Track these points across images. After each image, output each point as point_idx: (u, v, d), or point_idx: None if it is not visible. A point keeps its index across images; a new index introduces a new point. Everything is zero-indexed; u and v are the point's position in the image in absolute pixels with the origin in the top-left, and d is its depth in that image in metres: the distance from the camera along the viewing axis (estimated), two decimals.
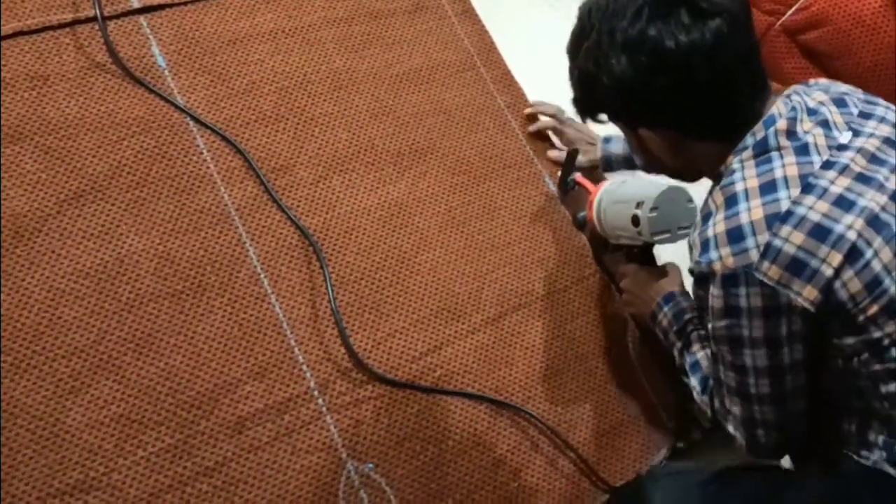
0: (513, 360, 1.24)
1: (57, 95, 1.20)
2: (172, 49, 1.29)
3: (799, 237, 0.85)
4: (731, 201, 0.89)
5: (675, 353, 1.14)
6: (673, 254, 1.25)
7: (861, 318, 0.86)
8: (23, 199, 1.12)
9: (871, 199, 0.87)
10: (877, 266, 0.85)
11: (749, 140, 0.91)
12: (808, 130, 0.91)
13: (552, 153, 1.43)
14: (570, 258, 1.35)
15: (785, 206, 0.86)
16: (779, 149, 0.90)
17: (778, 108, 0.92)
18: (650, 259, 1.24)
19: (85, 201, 1.14)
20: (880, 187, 0.88)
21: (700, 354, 1.09)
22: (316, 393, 1.13)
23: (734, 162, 0.92)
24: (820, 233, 0.85)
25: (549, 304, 1.30)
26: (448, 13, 1.49)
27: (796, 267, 0.85)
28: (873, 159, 0.90)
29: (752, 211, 0.87)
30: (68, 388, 1.03)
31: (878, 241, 0.85)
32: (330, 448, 1.10)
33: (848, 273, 0.85)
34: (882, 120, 0.95)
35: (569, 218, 1.37)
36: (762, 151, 0.90)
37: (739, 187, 0.89)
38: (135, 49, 1.27)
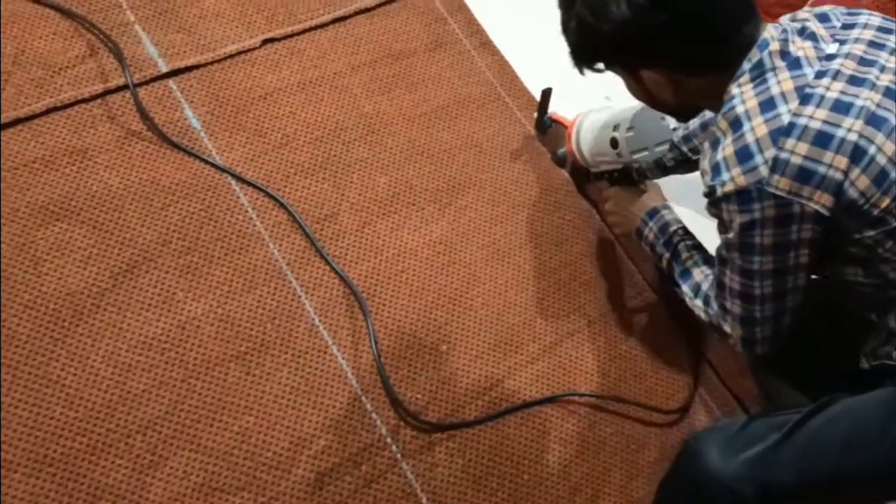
0: (574, 386, 1.24)
1: (98, 168, 1.20)
2: (205, 110, 1.29)
3: (804, 147, 0.88)
4: (735, 124, 0.93)
5: (664, 263, 1.18)
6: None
7: (875, 211, 0.90)
8: (77, 276, 1.11)
9: (867, 99, 0.90)
10: (882, 160, 0.89)
11: (745, 65, 0.94)
12: (798, 45, 0.94)
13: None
14: (618, 279, 1.36)
15: (786, 119, 0.89)
16: (774, 68, 0.93)
17: (769, 32, 0.95)
18: (631, 180, 1.28)
19: (139, 272, 1.14)
20: (873, 86, 0.91)
21: (689, 263, 1.15)
22: (389, 440, 1.13)
23: (733, 88, 0.95)
24: (823, 140, 0.88)
25: (602, 325, 1.31)
26: (467, 47, 1.51)
27: (805, 175, 0.88)
28: (862, 61, 0.93)
29: (755, 129, 0.90)
30: (147, 462, 1.03)
31: (879, 137, 0.89)
32: (410, 495, 1.10)
33: (855, 172, 0.88)
34: (865, 26, 0.98)
35: (611, 239, 1.38)
36: (759, 74, 0.93)
37: (740, 109, 0.92)
38: (168, 113, 1.27)
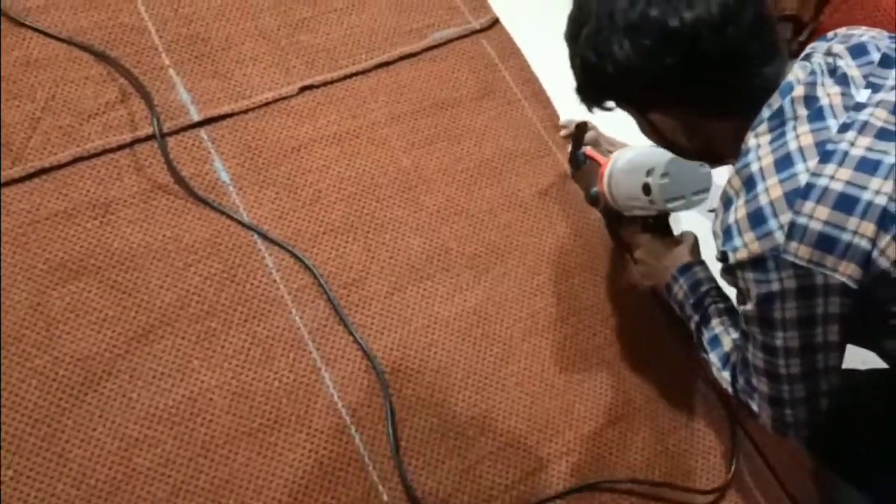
0: (614, 481, 1.14)
1: (120, 223, 1.15)
2: (235, 162, 1.24)
3: (824, 212, 0.78)
4: (748, 183, 0.83)
5: (692, 326, 1.09)
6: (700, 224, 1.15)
7: None
8: (91, 339, 1.07)
9: None
10: None
11: (765, 112, 0.84)
12: (827, 93, 0.83)
13: (563, 122, 1.39)
14: (669, 360, 1.25)
15: (804, 179, 0.79)
16: (795, 118, 0.83)
17: (795, 73, 0.85)
18: (665, 229, 1.20)
19: (154, 337, 1.09)
20: None
21: (719, 329, 1.05)
22: None
23: (751, 138, 0.85)
24: (846, 203, 0.77)
25: (648, 413, 1.20)
26: (517, 96, 1.42)
27: (827, 243, 0.78)
28: None
29: (769, 190, 0.81)
30: None
31: None
32: None
33: (884, 240, 0.77)
34: None
35: (660, 320, 1.27)
36: (778, 124, 0.83)
37: (755, 167, 0.83)
38: (197, 165, 1.22)
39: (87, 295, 1.10)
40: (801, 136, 0.81)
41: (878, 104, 0.81)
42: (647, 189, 1.11)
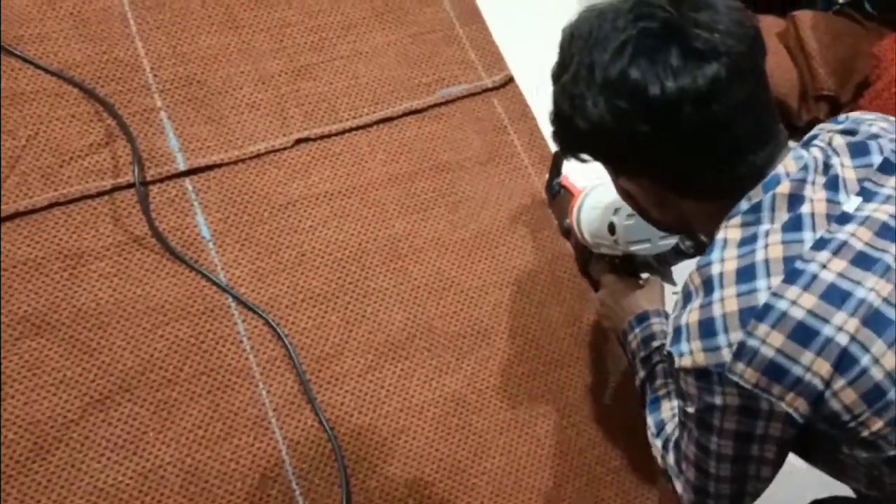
0: None
1: (90, 277, 1.10)
2: (218, 217, 1.18)
3: (778, 339, 0.70)
4: (707, 286, 0.75)
5: (637, 381, 1.03)
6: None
7: (865, 432, 0.71)
8: (45, 402, 1.02)
9: (872, 289, 0.70)
10: (877, 374, 0.69)
11: (743, 205, 0.76)
12: (813, 196, 0.75)
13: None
14: (650, 469, 1.17)
15: (762, 298, 0.71)
16: (771, 219, 0.74)
17: (786, 165, 0.76)
18: (632, 271, 1.13)
19: (111, 404, 1.04)
20: (886, 271, 0.71)
21: (662, 392, 0.99)
22: None
23: (721, 230, 0.77)
24: (803, 335, 0.70)
25: None
26: (524, 162, 1.34)
27: (776, 372, 0.71)
28: (883, 231, 0.72)
29: (724, 302, 0.73)
30: None
31: (877, 345, 0.69)
32: None
33: (839, 383, 0.70)
34: None
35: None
36: (753, 221, 0.75)
37: (716, 270, 0.75)
38: (178, 218, 1.17)
39: (47, 353, 1.05)
40: (770, 246, 0.73)
41: (863, 221, 0.73)
42: (612, 228, 1.06)
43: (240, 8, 1.33)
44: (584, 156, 0.84)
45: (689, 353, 0.75)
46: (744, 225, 0.75)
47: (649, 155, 0.77)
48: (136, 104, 1.22)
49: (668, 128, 0.73)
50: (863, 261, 0.71)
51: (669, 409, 0.97)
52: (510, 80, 1.39)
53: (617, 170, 0.84)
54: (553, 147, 1.33)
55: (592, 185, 1.15)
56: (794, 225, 0.73)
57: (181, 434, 1.05)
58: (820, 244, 0.72)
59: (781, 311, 0.70)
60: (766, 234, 0.74)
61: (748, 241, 0.74)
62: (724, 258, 0.75)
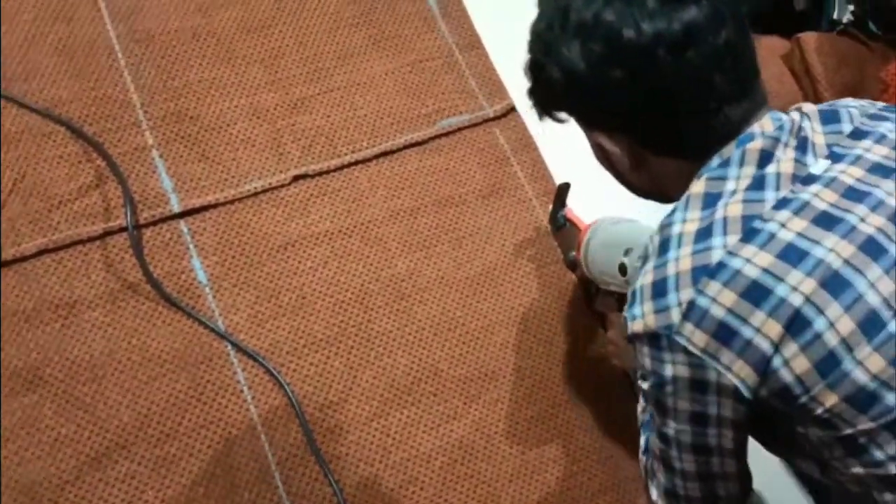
0: None
1: (83, 327, 1.06)
2: (215, 260, 1.14)
3: (729, 297, 0.67)
4: (663, 246, 0.73)
5: (639, 408, 0.97)
6: None
7: (819, 409, 0.67)
8: (40, 462, 0.98)
9: (832, 249, 0.67)
10: (831, 340, 0.66)
11: (714, 161, 0.74)
12: (782, 156, 0.74)
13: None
14: None
15: (717, 256, 0.68)
16: (737, 177, 0.73)
17: (762, 124, 0.75)
18: None
19: (108, 462, 1.00)
20: (849, 231, 0.68)
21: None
22: None
23: (690, 186, 0.75)
24: (756, 294, 0.67)
25: None
26: (528, 195, 1.31)
27: (725, 334, 0.68)
28: (849, 193, 0.70)
29: (679, 261, 0.70)
30: None
31: (833, 308, 0.66)
32: None
33: (791, 348, 0.66)
34: (881, 139, 0.75)
35: None
36: (719, 176, 0.74)
37: (676, 230, 0.73)
38: (173, 262, 1.13)
39: (41, 410, 1.01)
40: (730, 204, 0.71)
41: (829, 183, 0.71)
42: (623, 269, 1.03)
43: (232, 39, 1.28)
44: (561, 115, 0.83)
45: (641, 316, 0.72)
46: (710, 180, 0.74)
47: (623, 104, 0.75)
48: (126, 143, 1.18)
49: (643, 73, 0.71)
50: (825, 221, 0.69)
51: None
52: (512, 110, 1.35)
53: (591, 124, 0.82)
54: (558, 178, 1.31)
55: (600, 222, 1.12)
56: (758, 184, 0.72)
57: (181, 492, 1.01)
58: (781, 204, 0.70)
59: (735, 269, 0.68)
60: (733, 192, 0.72)
61: (712, 199, 0.72)
62: (687, 218, 0.73)
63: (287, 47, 1.30)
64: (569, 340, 1.22)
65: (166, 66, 1.24)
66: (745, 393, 0.69)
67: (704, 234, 0.71)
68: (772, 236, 0.68)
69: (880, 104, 0.81)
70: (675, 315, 0.69)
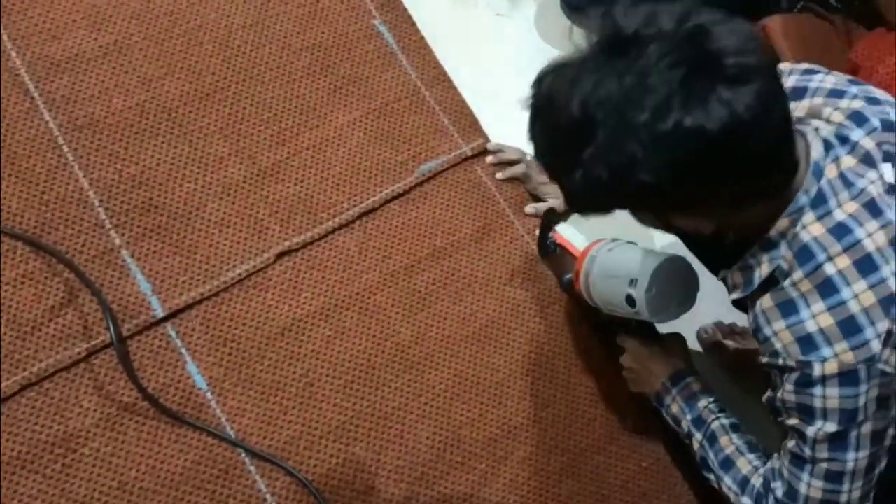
0: None
1: (85, 462, 0.99)
2: (211, 361, 1.07)
3: None
4: (826, 288, 0.80)
5: (695, 444, 1.03)
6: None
7: None
8: None
9: None
10: None
11: (803, 199, 0.81)
12: (856, 170, 0.82)
13: (529, 209, 1.27)
14: None
15: (894, 284, 0.79)
16: (839, 204, 0.81)
17: (815, 148, 0.83)
18: (652, 332, 1.13)
19: None
20: None
21: (730, 450, 0.99)
22: None
23: (796, 228, 0.82)
24: None
25: None
26: (519, 231, 1.26)
27: None
28: None
29: (860, 297, 0.79)
30: None
31: None
32: None
33: None
34: None
35: None
36: (825, 213, 0.81)
37: (830, 269, 0.80)
38: (167, 372, 1.05)
39: None
40: (873, 234, 0.79)
41: None
42: (630, 300, 1.02)
43: (184, 111, 1.18)
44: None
45: (835, 356, 0.79)
46: (820, 219, 0.80)
47: (710, 191, 0.77)
48: (92, 247, 1.08)
49: (734, 159, 0.74)
50: None
51: (748, 464, 0.97)
52: None
53: (668, 213, 0.85)
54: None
55: (595, 250, 1.08)
56: (874, 208, 0.80)
57: None
58: None
59: None
60: (858, 222, 0.79)
61: (842, 233, 0.79)
62: (832, 255, 0.79)
63: (244, 111, 1.21)
64: (585, 381, 1.20)
65: (118, 152, 1.14)
66: None
67: (868, 266, 0.79)
68: None
69: (845, 77, 0.91)
70: (876, 346, 0.78)
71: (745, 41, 0.73)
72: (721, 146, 0.72)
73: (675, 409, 1.04)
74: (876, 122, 0.84)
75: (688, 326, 1.18)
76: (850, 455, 0.83)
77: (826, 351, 0.79)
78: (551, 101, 0.77)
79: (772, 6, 1.49)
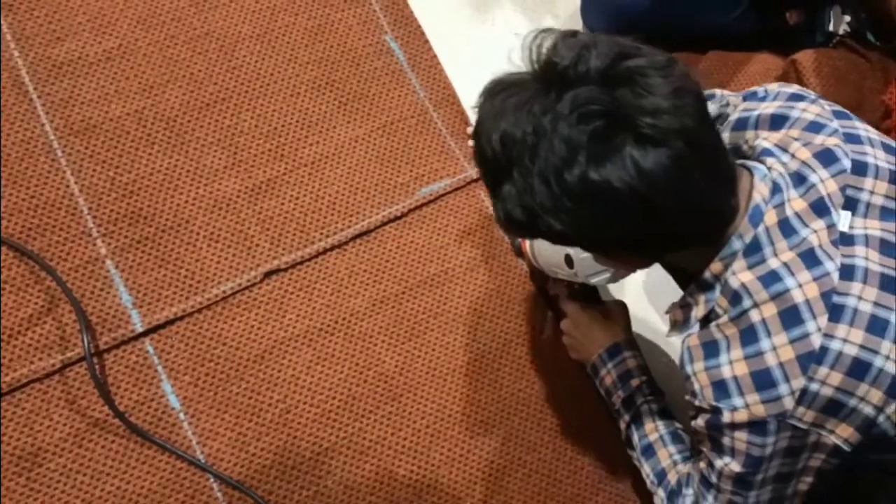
0: None
1: (51, 478, 0.97)
2: (187, 380, 1.05)
3: (837, 378, 0.74)
4: (748, 336, 0.77)
5: (622, 424, 1.04)
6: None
7: None
8: None
9: None
10: None
11: (736, 244, 0.77)
12: (803, 217, 0.77)
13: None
14: None
15: (817, 342, 0.74)
16: (775, 253, 0.76)
17: (759, 190, 0.78)
18: (593, 297, 1.12)
19: None
20: None
21: (653, 437, 0.99)
22: None
23: (727, 274, 0.78)
24: (858, 370, 0.74)
25: None
26: (517, 262, 1.21)
27: (833, 407, 0.75)
28: (884, 248, 0.77)
29: (778, 350, 0.75)
30: None
31: None
32: None
33: (892, 407, 0.75)
34: (877, 173, 0.79)
35: None
36: (758, 261, 0.77)
37: (755, 317, 0.76)
38: (141, 389, 1.03)
39: None
40: (804, 285, 0.74)
41: (866, 241, 0.76)
42: (569, 261, 1.01)
43: (183, 120, 1.16)
44: None
45: (745, 407, 0.76)
46: (751, 266, 0.76)
47: (625, 242, 0.76)
48: (77, 256, 1.07)
49: (644, 216, 0.71)
50: (886, 284, 0.75)
51: (668, 457, 0.97)
52: None
53: (593, 252, 0.86)
54: None
55: None
56: (811, 258, 0.75)
57: None
58: (846, 273, 0.74)
59: (838, 352, 0.73)
60: (790, 270, 0.75)
61: (772, 280, 0.75)
62: (757, 302, 0.75)
63: (244, 123, 1.18)
64: (576, 427, 1.15)
65: (112, 159, 1.12)
66: (846, 448, 0.76)
67: (792, 318, 0.74)
68: (855, 311, 0.74)
69: (832, 109, 0.84)
70: (789, 402, 0.74)
71: (670, 98, 0.69)
72: (627, 204, 0.70)
73: (608, 382, 1.05)
74: (846, 164, 0.79)
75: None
76: (753, 493, 0.82)
77: (737, 401, 0.77)
78: (480, 129, 0.75)
79: (806, 40, 1.41)
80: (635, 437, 1.01)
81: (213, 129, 1.17)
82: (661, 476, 0.96)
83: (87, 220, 1.09)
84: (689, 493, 0.90)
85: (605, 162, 0.68)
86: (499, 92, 0.74)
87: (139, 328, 1.05)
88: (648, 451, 0.99)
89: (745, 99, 0.92)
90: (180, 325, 1.07)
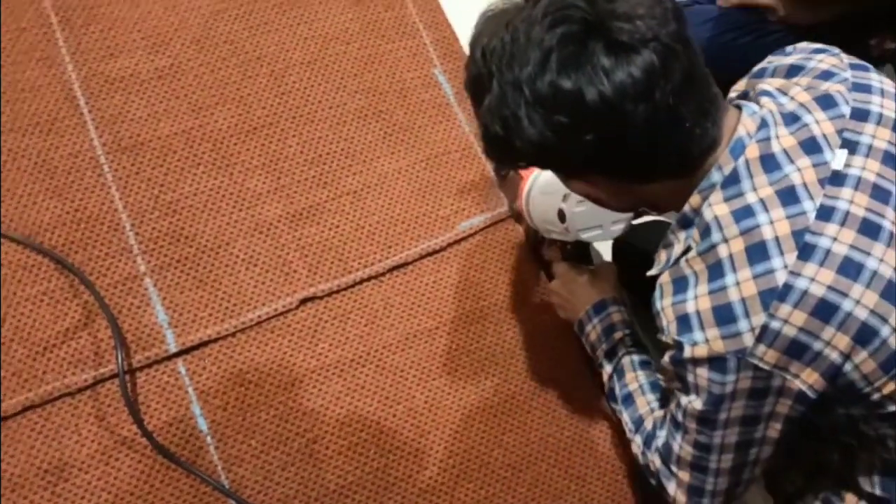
0: None
1: (76, 493, 0.97)
2: (216, 404, 1.04)
3: (800, 317, 0.71)
4: (715, 270, 0.75)
5: (604, 375, 1.03)
6: None
7: (876, 396, 0.74)
8: None
9: (883, 259, 0.72)
10: (894, 343, 0.72)
11: (716, 176, 0.76)
12: (790, 153, 0.74)
13: None
14: None
15: (781, 278, 0.71)
16: (753, 187, 0.74)
17: (745, 125, 0.76)
18: (584, 257, 1.14)
19: None
20: (890, 238, 0.72)
21: (633, 387, 0.99)
22: None
23: (703, 206, 0.76)
24: (824, 311, 0.71)
25: None
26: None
27: (796, 349, 0.72)
28: (876, 193, 0.73)
29: (741, 286, 0.73)
30: None
31: (895, 315, 0.72)
32: None
33: (860, 356, 0.72)
34: (879, 120, 0.77)
35: None
36: (736, 194, 0.74)
37: (723, 252, 0.74)
38: (170, 410, 1.03)
39: None
40: (776, 222, 0.72)
41: (858, 183, 0.73)
42: (561, 215, 1.02)
43: (229, 143, 1.17)
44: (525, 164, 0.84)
45: (705, 342, 0.74)
46: (728, 199, 0.74)
47: (600, 158, 0.74)
48: (116, 272, 1.07)
49: (615, 129, 0.70)
50: (868, 229, 0.72)
51: (646, 405, 0.96)
52: None
53: (567, 175, 0.83)
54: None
55: (541, 171, 1.07)
56: (790, 196, 0.73)
57: None
58: (824, 214, 0.72)
59: (802, 290, 0.70)
60: (765, 206, 0.72)
61: (745, 215, 0.73)
62: (727, 237, 0.73)
63: (290, 149, 1.19)
64: (601, 476, 1.12)
65: (158, 177, 1.13)
66: (811, 395, 0.73)
67: (758, 254, 0.72)
68: (827, 252, 0.71)
69: (848, 68, 0.81)
70: (748, 339, 0.72)
71: (648, 5, 0.69)
72: (597, 113, 0.69)
73: (593, 336, 1.04)
74: (845, 109, 0.77)
75: None
76: (718, 433, 0.80)
77: (698, 335, 0.74)
78: (471, 49, 0.77)
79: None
80: (616, 388, 1.01)
81: (258, 153, 1.17)
82: (638, 423, 0.96)
83: (129, 236, 1.09)
84: (661, 434, 0.89)
85: (577, 69, 0.68)
86: (491, 16, 0.76)
87: (173, 348, 1.05)
88: (628, 399, 0.98)
89: (773, 54, 0.90)
90: (213, 348, 1.07)
